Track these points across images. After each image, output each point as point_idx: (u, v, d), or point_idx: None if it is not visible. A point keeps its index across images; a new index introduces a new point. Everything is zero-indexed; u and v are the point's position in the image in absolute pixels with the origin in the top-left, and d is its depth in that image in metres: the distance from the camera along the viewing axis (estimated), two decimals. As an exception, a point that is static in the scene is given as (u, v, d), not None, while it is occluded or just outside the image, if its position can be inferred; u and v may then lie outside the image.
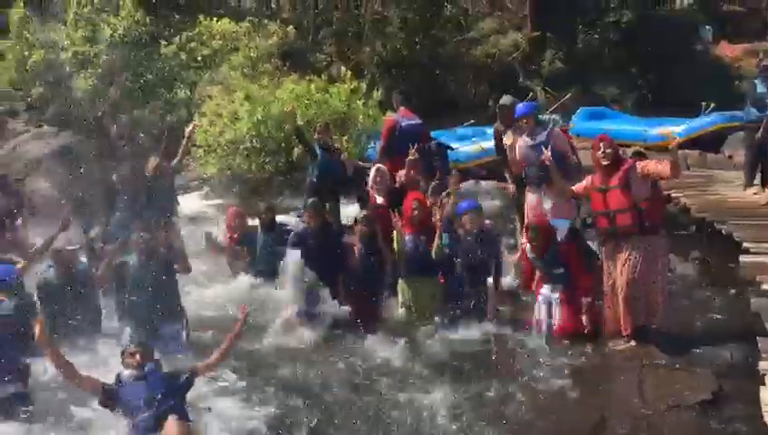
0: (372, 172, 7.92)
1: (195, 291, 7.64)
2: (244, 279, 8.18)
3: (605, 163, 5.88)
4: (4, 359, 4.98)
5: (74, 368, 4.56)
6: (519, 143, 7.12)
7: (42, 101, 15.66)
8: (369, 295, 6.77)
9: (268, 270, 8.04)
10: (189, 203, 11.36)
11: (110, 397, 4.45)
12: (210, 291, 7.90)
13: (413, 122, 9.19)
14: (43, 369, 5.18)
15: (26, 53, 15.47)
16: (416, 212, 6.70)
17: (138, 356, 4.53)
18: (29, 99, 15.70)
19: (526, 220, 7.04)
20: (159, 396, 4.39)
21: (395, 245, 6.73)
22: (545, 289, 6.28)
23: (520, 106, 7.38)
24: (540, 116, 7.34)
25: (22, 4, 16.16)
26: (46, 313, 5.51)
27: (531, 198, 7.09)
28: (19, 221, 7.68)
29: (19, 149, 11.25)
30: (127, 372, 4.52)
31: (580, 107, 15.77)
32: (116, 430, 4.45)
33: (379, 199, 7.68)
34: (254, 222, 8.68)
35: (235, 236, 8.62)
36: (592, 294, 6.17)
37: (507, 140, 7.47)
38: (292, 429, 4.78)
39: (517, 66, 19.33)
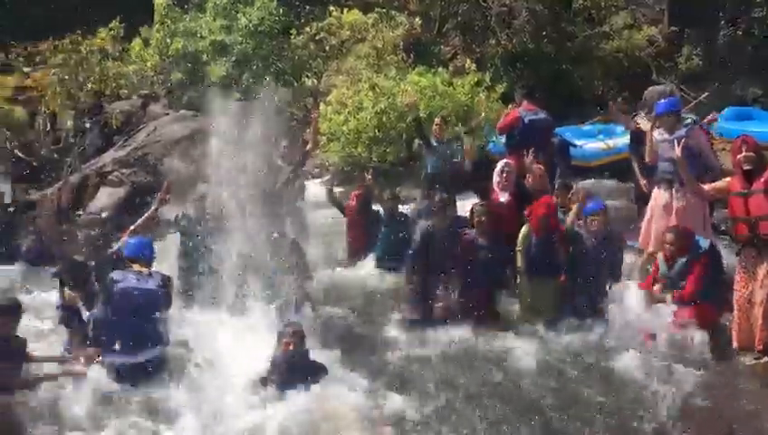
0: (498, 168, 7.72)
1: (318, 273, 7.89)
2: (364, 265, 8.38)
3: (747, 167, 5.53)
4: (149, 327, 5.40)
5: None
6: (656, 138, 6.83)
7: (180, 86, 16.51)
8: (485, 291, 6.70)
9: (386, 258, 8.17)
10: (311, 189, 11.68)
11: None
12: (330, 274, 8.16)
13: (538, 117, 9.00)
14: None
15: (168, 41, 16.33)
16: (544, 217, 6.52)
17: (291, 345, 4.95)
18: (169, 84, 16.59)
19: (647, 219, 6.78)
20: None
21: (519, 242, 6.59)
22: (665, 300, 6.01)
23: (662, 102, 7.07)
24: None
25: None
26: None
27: (660, 197, 6.78)
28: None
29: (159, 131, 11.89)
30: (279, 354, 4.95)
31: (727, 106, 14.83)
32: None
33: (503, 197, 7.45)
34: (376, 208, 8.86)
35: (355, 221, 8.82)
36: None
37: (644, 126, 7.17)
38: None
39: (651, 63, 18.45)
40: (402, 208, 8.86)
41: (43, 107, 13.06)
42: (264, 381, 5.00)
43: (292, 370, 4.95)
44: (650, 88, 7.75)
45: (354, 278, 8.15)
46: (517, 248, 6.56)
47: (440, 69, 13.29)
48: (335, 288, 7.74)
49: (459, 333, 6.27)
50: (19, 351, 5.17)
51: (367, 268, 8.36)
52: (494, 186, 7.63)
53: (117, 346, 5.29)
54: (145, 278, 5.48)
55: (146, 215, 6.70)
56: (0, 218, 8.95)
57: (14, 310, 5.18)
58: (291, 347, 4.96)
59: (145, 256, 5.79)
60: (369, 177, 8.91)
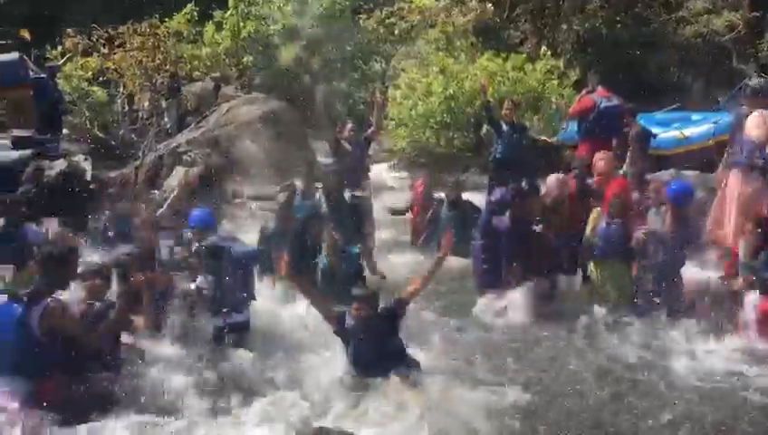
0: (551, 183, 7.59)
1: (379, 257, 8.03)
2: (425, 251, 8.42)
3: None
4: (239, 291, 5.69)
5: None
6: None
7: (251, 68, 16.79)
8: (552, 277, 6.65)
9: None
10: (377, 174, 11.75)
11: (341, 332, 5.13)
12: (393, 259, 8.26)
13: (612, 103, 8.81)
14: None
15: (241, 24, 16.61)
16: (618, 199, 6.38)
17: (362, 311, 5.02)
18: (240, 66, 16.88)
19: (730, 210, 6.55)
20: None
21: (589, 224, 6.49)
22: (752, 295, 5.78)
23: None
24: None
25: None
26: None
27: (752, 186, 6.49)
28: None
29: (231, 113, 12.11)
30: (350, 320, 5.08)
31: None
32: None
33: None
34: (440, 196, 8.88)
35: (420, 207, 8.88)
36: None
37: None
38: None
39: (731, 49, 17.73)
40: (465, 195, 8.83)
41: (121, 88, 13.53)
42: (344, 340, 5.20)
43: (366, 333, 5.07)
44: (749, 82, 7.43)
45: (414, 263, 8.21)
46: (588, 231, 6.45)
47: (512, 54, 13.08)
48: (396, 273, 7.83)
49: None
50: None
51: (427, 255, 8.42)
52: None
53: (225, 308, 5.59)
54: (240, 242, 5.77)
55: (169, 201, 6.84)
56: (81, 196, 9.24)
57: (107, 275, 5.31)
58: (361, 312, 5.06)
59: (212, 224, 5.97)
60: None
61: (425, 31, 16.04)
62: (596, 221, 6.47)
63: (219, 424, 4.55)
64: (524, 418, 4.56)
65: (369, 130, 8.76)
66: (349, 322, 5.13)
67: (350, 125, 8.69)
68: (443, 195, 8.83)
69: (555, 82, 12.66)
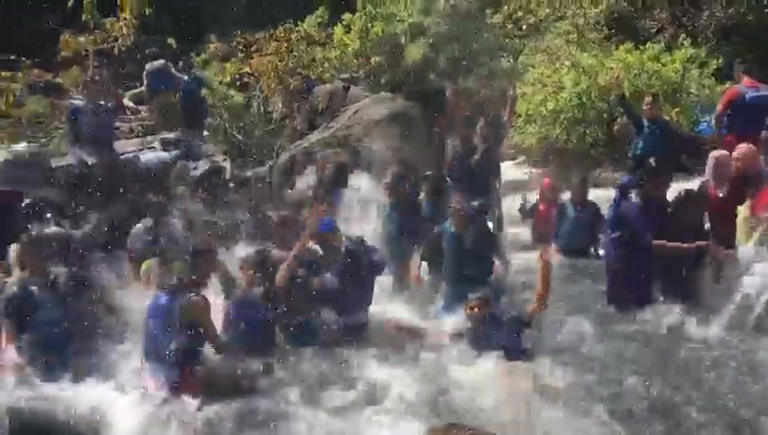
0: (710, 162, 7.14)
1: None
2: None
3: None
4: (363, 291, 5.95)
5: None
6: None
7: (379, 69, 16.99)
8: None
9: (571, 245, 7.97)
10: (504, 170, 11.58)
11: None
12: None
13: (760, 93, 8.23)
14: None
15: (369, 25, 16.84)
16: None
17: (476, 309, 5.38)
18: (368, 67, 17.13)
19: None
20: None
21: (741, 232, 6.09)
22: None
23: None
24: None
25: (368, -20, 17.55)
26: None
27: None
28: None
29: (359, 114, 12.36)
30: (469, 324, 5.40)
31: None
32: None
33: (721, 192, 6.89)
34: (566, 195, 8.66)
35: (546, 207, 8.71)
36: None
37: None
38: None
39: None
40: (599, 192, 8.56)
41: (257, 91, 14.13)
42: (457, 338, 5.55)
43: (479, 331, 5.43)
44: None
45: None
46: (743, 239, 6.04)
47: (648, 44, 12.49)
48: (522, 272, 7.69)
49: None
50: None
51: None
52: (709, 179, 7.10)
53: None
54: (366, 246, 6.00)
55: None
56: (221, 195, 9.73)
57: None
58: (476, 311, 5.40)
59: (336, 229, 6.12)
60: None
61: (554, 24, 15.63)
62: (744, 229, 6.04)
63: (351, 421, 4.67)
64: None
65: (501, 129, 8.66)
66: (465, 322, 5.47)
67: (481, 123, 8.65)
68: (569, 194, 8.65)
69: (695, 72, 11.97)
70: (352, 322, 5.89)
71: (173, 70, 11.04)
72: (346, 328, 5.83)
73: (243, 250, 6.46)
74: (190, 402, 4.67)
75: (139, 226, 6.86)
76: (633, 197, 6.40)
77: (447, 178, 8.45)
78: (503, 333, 5.40)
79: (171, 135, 10.39)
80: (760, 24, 17.11)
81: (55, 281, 5.29)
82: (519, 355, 5.33)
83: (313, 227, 5.70)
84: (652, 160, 6.67)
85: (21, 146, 8.77)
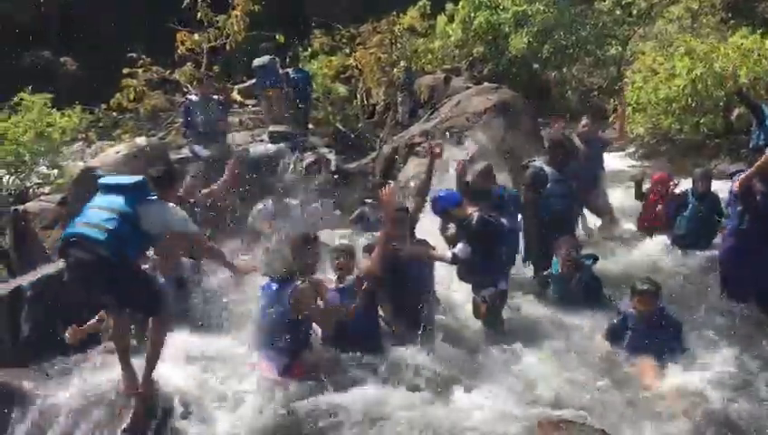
0: None
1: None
2: (659, 241, 7.96)
3: None
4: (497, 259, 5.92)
5: None
6: None
7: (481, 59, 16.88)
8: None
9: (688, 239, 7.66)
10: (613, 162, 11.23)
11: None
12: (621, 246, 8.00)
13: None
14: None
15: (471, 15, 16.75)
16: None
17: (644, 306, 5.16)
18: (470, 57, 17.05)
19: None
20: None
21: None
22: None
23: None
24: None
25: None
26: None
27: None
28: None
29: (462, 104, 12.26)
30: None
31: None
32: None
33: None
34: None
35: (656, 199, 8.37)
36: None
37: None
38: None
39: None
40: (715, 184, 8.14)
41: (361, 84, 14.33)
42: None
43: (646, 330, 5.17)
44: None
45: (647, 258, 7.78)
46: None
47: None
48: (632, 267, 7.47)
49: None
50: None
51: (659, 247, 7.94)
52: None
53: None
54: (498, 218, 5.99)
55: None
56: (325, 185, 9.95)
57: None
58: (644, 307, 5.17)
59: (461, 202, 6.10)
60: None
61: (666, 9, 15.00)
62: None
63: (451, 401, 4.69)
64: None
65: (611, 137, 8.35)
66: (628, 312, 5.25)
67: (584, 120, 8.40)
68: (681, 185, 8.30)
69: (821, 57, 11.19)
70: (490, 291, 5.89)
71: (279, 65, 11.34)
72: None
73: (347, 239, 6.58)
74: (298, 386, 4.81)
75: (260, 205, 7.18)
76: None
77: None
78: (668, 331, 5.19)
79: (279, 128, 10.69)
80: None
81: None
82: (678, 357, 5.10)
83: (390, 211, 5.43)
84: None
85: (141, 139, 9.25)
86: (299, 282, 5.02)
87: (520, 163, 9.77)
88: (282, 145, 10.14)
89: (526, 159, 9.32)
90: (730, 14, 14.72)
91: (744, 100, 8.15)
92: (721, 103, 11.49)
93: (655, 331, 5.15)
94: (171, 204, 4.82)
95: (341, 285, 5.43)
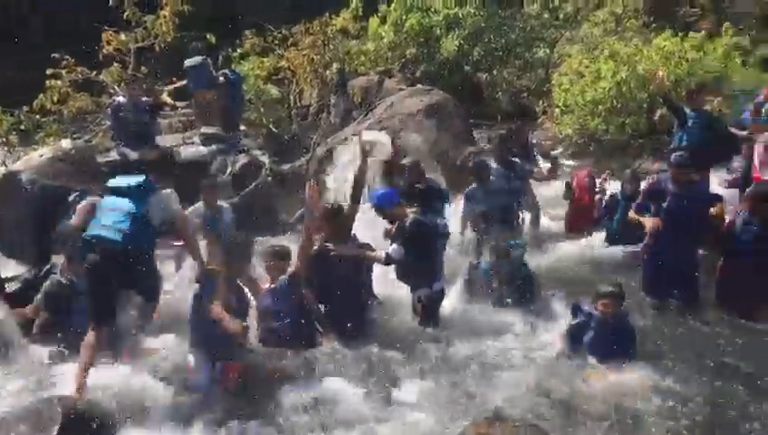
0: (761, 143, 7.04)
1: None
2: (589, 240, 8.23)
3: None
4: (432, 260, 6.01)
5: None
6: None
7: (414, 61, 16.99)
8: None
9: (620, 238, 7.93)
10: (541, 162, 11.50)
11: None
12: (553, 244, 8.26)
13: (808, 82, 8.01)
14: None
15: (403, 17, 16.84)
16: None
17: (608, 308, 5.11)
18: (403, 59, 17.13)
19: None
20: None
21: None
22: None
23: None
24: None
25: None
26: None
27: None
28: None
29: (395, 106, 12.33)
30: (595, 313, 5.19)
31: None
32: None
33: (767, 175, 6.79)
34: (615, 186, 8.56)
35: (586, 197, 8.63)
36: None
37: None
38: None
39: None
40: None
41: (294, 85, 14.24)
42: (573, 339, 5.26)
43: (606, 333, 5.10)
44: None
45: (582, 255, 8.01)
46: None
47: (690, 33, 12.27)
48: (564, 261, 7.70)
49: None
50: None
51: (594, 244, 8.20)
52: (756, 164, 6.99)
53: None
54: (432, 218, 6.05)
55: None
56: (259, 190, 9.81)
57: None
58: (609, 309, 5.07)
59: (397, 200, 6.10)
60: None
61: (592, 14, 15.45)
62: None
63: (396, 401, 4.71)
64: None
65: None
66: (591, 313, 5.18)
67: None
68: (608, 185, 8.58)
69: (738, 61, 11.73)
70: (426, 291, 5.93)
71: (211, 66, 11.14)
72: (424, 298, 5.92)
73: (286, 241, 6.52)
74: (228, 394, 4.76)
75: (191, 208, 7.05)
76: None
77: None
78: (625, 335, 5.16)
79: (210, 130, 10.51)
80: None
81: None
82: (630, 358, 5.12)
83: (312, 207, 5.50)
84: (678, 154, 6.53)
85: (66, 142, 8.93)
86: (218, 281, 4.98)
87: (452, 163, 9.96)
88: (213, 147, 9.97)
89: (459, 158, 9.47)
90: (652, 18, 15.28)
91: (669, 103, 8.48)
92: (644, 105, 11.90)
93: (614, 334, 5.11)
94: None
95: (273, 286, 5.39)
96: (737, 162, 7.90)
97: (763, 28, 16.34)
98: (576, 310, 5.38)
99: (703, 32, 12.48)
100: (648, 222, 6.25)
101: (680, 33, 12.30)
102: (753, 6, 17.31)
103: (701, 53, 11.58)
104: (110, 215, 5.02)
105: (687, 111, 8.07)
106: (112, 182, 5.28)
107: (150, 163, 8.08)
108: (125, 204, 5.05)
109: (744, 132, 8.21)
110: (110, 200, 5.14)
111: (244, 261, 5.21)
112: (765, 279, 5.85)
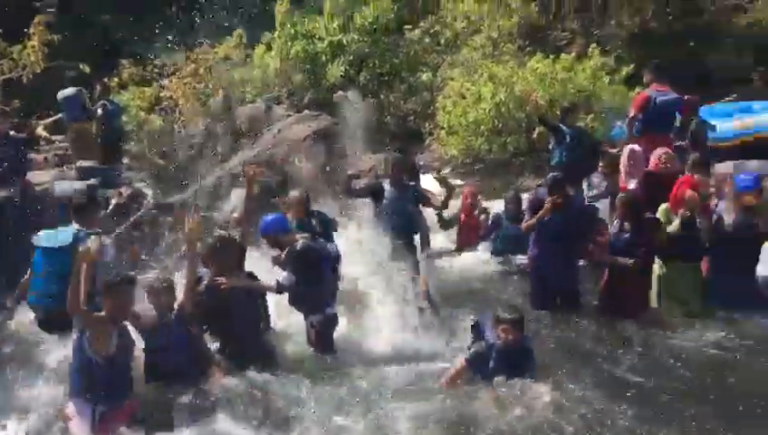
0: (625, 154, 7.50)
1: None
2: (476, 255, 8.47)
3: None
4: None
5: None
6: None
7: (300, 87, 17.00)
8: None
9: (507, 250, 8.21)
10: (430, 183, 11.73)
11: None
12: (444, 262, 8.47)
13: (668, 97, 8.60)
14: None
15: (289, 44, 16.85)
16: (690, 195, 6.20)
17: (509, 335, 4.94)
18: (290, 86, 17.11)
19: None
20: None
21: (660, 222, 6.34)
22: None
23: None
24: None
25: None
26: None
27: None
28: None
29: (283, 133, 12.29)
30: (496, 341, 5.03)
31: None
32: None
33: (632, 184, 7.24)
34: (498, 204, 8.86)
35: (469, 215, 8.94)
36: None
37: None
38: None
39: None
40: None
41: (177, 115, 13.88)
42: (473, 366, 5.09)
43: (508, 362, 4.97)
44: None
45: (472, 269, 8.24)
46: (664, 229, 6.27)
47: (561, 55, 12.93)
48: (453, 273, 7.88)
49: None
50: None
51: (482, 259, 8.46)
52: (623, 172, 7.43)
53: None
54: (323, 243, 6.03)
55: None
56: (143, 223, 9.48)
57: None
58: (509, 335, 4.92)
59: (288, 227, 6.03)
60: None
61: (470, 38, 15.99)
62: (664, 215, 6.31)
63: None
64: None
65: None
66: (491, 341, 5.01)
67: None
68: (491, 205, 8.93)
69: (606, 80, 12.46)
70: (323, 316, 5.85)
71: (87, 97, 10.69)
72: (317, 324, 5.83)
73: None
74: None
75: None
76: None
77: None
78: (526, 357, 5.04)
79: (87, 163, 10.06)
80: (664, 32, 17.97)
81: None
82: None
83: (192, 241, 5.29)
84: (552, 174, 6.88)
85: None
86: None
87: (342, 188, 9.98)
88: (92, 181, 9.53)
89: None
90: (527, 42, 15.98)
91: (545, 122, 8.91)
92: (523, 124, 12.41)
93: (515, 364, 4.98)
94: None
95: (160, 322, 5.19)
96: (596, 178, 8.35)
97: (628, 49, 17.48)
98: (477, 329, 5.27)
99: (573, 54, 13.14)
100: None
101: (552, 56, 12.92)
102: (618, 29, 18.50)
103: (571, 74, 12.21)
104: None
105: (564, 128, 8.51)
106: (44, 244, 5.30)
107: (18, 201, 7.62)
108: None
109: (615, 149, 8.70)
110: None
111: (127, 300, 4.96)
112: (639, 279, 6.21)
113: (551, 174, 6.90)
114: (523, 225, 6.86)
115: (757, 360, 5.40)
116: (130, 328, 5.07)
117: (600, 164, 8.34)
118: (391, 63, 16.91)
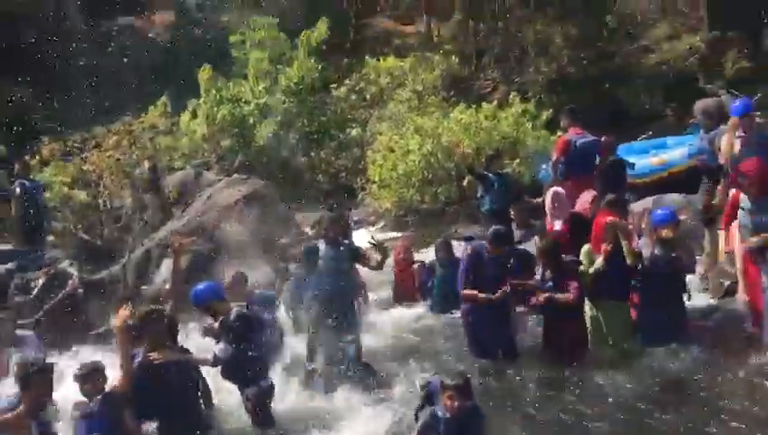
0: (549, 196, 7.64)
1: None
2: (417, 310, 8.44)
3: None
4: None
5: None
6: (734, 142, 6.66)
7: (230, 151, 16.92)
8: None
9: (442, 304, 8.20)
10: (364, 238, 11.71)
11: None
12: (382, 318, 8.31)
13: (587, 139, 8.86)
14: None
15: (215, 109, 16.81)
16: (608, 233, 6.31)
17: (454, 402, 4.57)
18: (219, 150, 17.01)
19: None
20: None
21: (583, 263, 6.41)
22: None
23: (739, 104, 6.90)
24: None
25: (209, 66, 17.56)
26: None
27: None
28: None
29: (213, 198, 12.11)
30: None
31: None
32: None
33: (557, 225, 7.35)
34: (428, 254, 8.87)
35: (403, 270, 8.95)
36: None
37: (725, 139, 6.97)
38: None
39: (697, 70, 18.06)
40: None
41: (102, 188, 13.51)
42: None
43: (459, 430, 4.65)
44: (700, 100, 7.71)
45: (409, 322, 8.19)
46: (585, 270, 6.33)
47: (483, 104, 13.28)
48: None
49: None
50: None
51: (420, 312, 8.43)
52: (548, 214, 7.55)
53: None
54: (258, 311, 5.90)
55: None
56: (68, 303, 9.12)
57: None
58: (455, 402, 4.55)
59: (222, 295, 5.87)
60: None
61: (395, 92, 16.30)
62: (587, 257, 6.39)
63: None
64: None
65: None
66: (437, 410, 4.68)
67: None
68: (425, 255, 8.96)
69: (528, 125, 12.81)
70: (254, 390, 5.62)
71: (5, 176, 10.35)
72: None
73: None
74: None
75: None
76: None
77: None
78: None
79: (6, 247, 9.67)
80: (580, 76, 18.74)
81: None
82: None
83: (121, 321, 5.13)
84: (495, 229, 6.88)
85: None
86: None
87: (275, 251, 9.87)
88: (9, 266, 9.14)
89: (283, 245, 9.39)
90: (451, 93, 16.41)
91: (472, 172, 9.04)
92: (452, 173, 12.59)
93: (464, 425, 4.65)
94: None
95: (88, 408, 4.94)
96: None
97: (548, 94, 18.11)
98: (427, 392, 4.90)
99: (495, 102, 13.52)
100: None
101: (474, 105, 13.25)
102: (537, 75, 19.20)
103: (495, 122, 12.52)
104: None
105: (490, 175, 8.64)
106: None
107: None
108: None
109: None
110: None
111: (44, 390, 4.71)
112: (573, 323, 6.26)
113: (492, 228, 6.87)
114: (466, 292, 6.72)
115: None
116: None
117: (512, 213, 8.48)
118: (319, 122, 17.07)
